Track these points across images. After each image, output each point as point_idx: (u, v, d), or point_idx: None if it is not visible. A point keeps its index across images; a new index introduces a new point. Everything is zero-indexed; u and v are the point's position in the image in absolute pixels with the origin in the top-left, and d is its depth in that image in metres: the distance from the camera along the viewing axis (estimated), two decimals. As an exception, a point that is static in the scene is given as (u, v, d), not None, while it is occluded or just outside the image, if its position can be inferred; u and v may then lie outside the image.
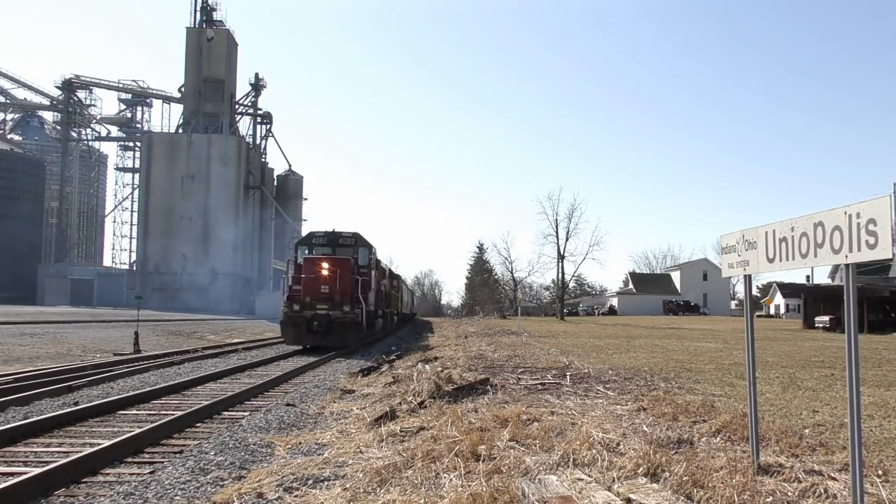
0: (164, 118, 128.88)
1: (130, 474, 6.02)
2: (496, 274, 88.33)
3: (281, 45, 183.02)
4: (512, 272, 77.68)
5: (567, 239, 63.28)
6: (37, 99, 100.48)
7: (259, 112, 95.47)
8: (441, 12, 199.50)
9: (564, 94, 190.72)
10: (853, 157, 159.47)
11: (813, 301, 43.09)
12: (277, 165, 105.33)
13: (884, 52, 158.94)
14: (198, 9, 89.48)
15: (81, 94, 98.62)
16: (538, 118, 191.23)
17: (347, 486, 4.97)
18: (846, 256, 3.84)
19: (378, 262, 27.50)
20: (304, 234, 34.49)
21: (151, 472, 5.95)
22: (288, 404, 10.07)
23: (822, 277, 65.73)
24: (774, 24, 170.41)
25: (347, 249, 22.93)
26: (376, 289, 25.47)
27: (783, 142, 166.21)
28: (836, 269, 49.35)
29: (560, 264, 64.13)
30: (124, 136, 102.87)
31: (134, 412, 9.29)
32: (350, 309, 20.82)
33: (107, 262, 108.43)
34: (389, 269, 37.94)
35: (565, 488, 4.37)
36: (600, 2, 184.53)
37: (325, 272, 20.82)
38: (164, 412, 9.17)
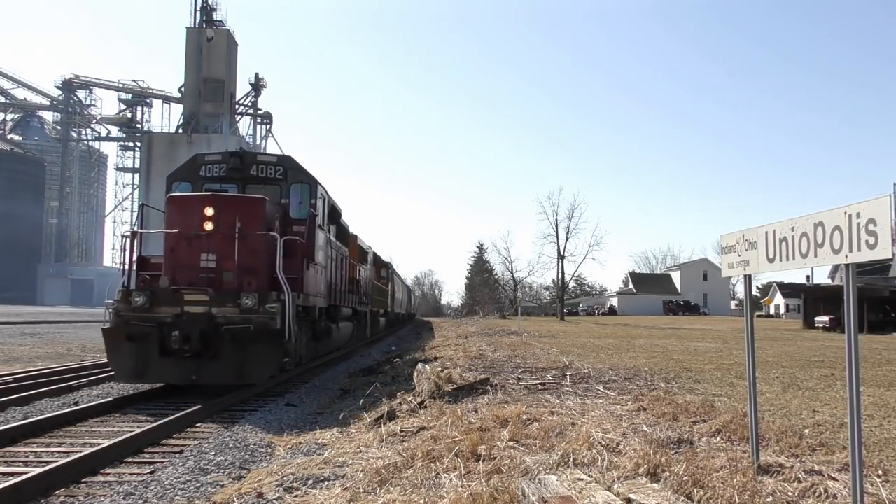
0: (164, 118, 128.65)
1: (130, 474, 6.01)
2: (496, 274, 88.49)
3: (281, 44, 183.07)
4: (512, 272, 77.89)
5: (567, 239, 63.48)
6: (37, 99, 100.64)
7: (259, 112, 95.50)
8: (443, 12, 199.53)
9: (565, 94, 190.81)
10: (855, 156, 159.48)
11: (813, 301, 43.12)
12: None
13: (888, 49, 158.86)
14: (198, 9, 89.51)
15: (81, 94, 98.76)
16: (539, 118, 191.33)
17: (347, 485, 4.97)
18: (846, 256, 3.84)
19: (343, 226, 18.21)
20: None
21: (151, 472, 5.95)
22: (288, 404, 10.07)
23: (822, 277, 65.80)
24: (777, 21, 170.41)
25: (270, 188, 12.54)
26: (332, 266, 15.40)
27: (784, 140, 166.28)
28: (836, 269, 49.36)
29: (560, 264, 64.26)
30: (124, 136, 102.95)
31: (134, 412, 9.29)
32: (257, 303, 10.24)
33: (107, 262, 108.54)
34: (375, 254, 29.10)
35: (565, 488, 4.37)
36: (601, 1, 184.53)
37: (207, 225, 10.51)
38: (164, 412, 9.17)
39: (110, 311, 10.48)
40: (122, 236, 11.72)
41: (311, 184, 13.10)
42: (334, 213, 16.09)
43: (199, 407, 9.05)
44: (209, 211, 10.60)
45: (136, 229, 11.80)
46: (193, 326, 10.02)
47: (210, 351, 10.09)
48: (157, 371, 10.27)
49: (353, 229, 20.98)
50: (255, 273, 10.73)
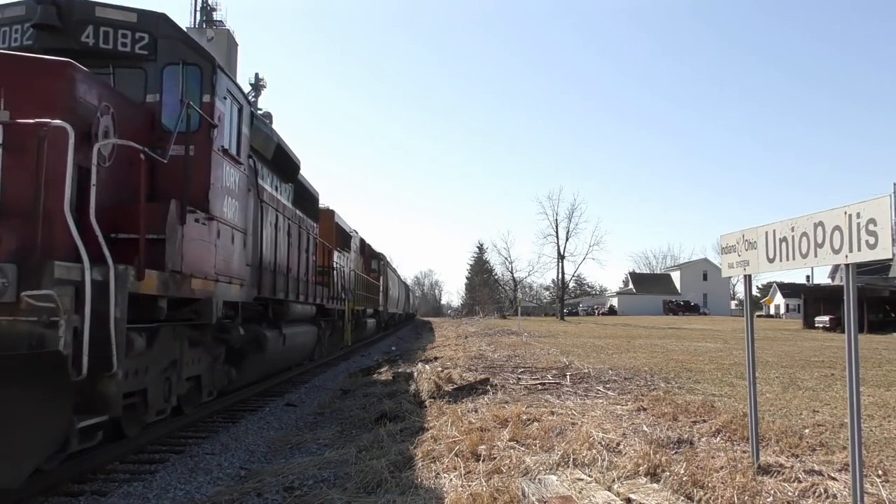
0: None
1: (131, 473, 6.01)
2: (496, 274, 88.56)
3: (282, 44, 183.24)
4: (512, 272, 77.95)
5: (567, 239, 63.54)
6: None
7: (259, 112, 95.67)
8: (442, 14, 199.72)
9: (565, 95, 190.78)
10: (850, 161, 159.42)
11: (813, 301, 43.14)
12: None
13: (881, 54, 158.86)
14: (198, 9, 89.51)
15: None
16: (539, 118, 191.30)
17: (347, 486, 4.98)
18: (846, 256, 3.84)
19: (308, 192, 13.73)
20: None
21: (152, 472, 5.95)
22: (288, 404, 10.07)
23: (822, 277, 65.76)
24: (775, 26, 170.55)
25: (125, 73, 6.84)
26: (274, 235, 10.50)
27: (782, 145, 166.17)
28: (836, 269, 49.38)
29: (560, 264, 64.30)
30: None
31: (134, 412, 9.20)
32: (15, 284, 4.37)
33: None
34: (363, 241, 24.87)
35: (565, 488, 4.37)
36: (597, 9, 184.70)
37: None
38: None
39: None
40: None
41: (201, 66, 7.10)
42: (283, 158, 10.94)
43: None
44: None
45: None
46: None
47: None
48: None
49: (347, 219, 19.50)
50: (23, 218, 4.83)
